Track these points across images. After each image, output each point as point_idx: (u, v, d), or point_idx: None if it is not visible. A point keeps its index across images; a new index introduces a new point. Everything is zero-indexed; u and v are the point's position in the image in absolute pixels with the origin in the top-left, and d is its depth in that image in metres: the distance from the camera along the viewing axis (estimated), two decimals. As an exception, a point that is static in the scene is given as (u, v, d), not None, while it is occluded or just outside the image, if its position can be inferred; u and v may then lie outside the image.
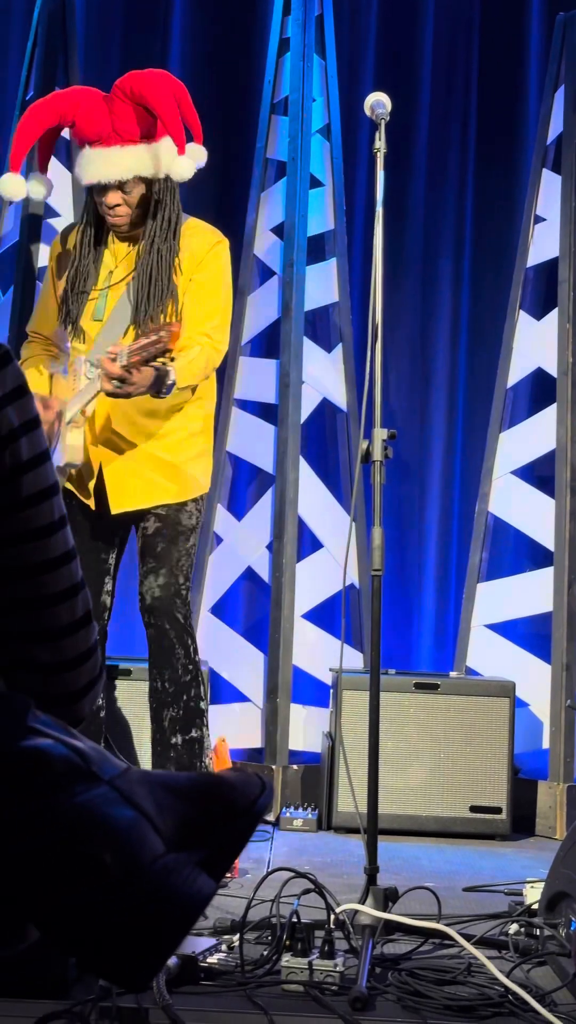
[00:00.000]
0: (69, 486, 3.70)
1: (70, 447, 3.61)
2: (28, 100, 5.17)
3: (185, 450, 3.73)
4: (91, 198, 3.70)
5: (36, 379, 3.76)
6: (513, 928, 3.19)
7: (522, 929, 3.17)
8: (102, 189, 3.62)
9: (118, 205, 3.62)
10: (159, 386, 3.49)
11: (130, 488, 3.68)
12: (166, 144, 3.61)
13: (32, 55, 5.19)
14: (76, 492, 3.70)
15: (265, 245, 5.24)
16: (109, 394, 3.45)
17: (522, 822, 4.79)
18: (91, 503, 3.70)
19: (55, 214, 5.10)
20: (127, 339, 3.61)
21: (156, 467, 3.70)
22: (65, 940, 1.33)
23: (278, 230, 5.22)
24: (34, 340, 3.89)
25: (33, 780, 1.31)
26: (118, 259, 3.70)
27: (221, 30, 5.58)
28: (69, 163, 4.88)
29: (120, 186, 3.61)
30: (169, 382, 3.50)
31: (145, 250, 3.65)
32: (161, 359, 3.42)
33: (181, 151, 3.61)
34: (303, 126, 5.19)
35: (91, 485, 3.69)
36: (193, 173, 3.66)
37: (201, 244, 3.71)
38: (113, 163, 3.59)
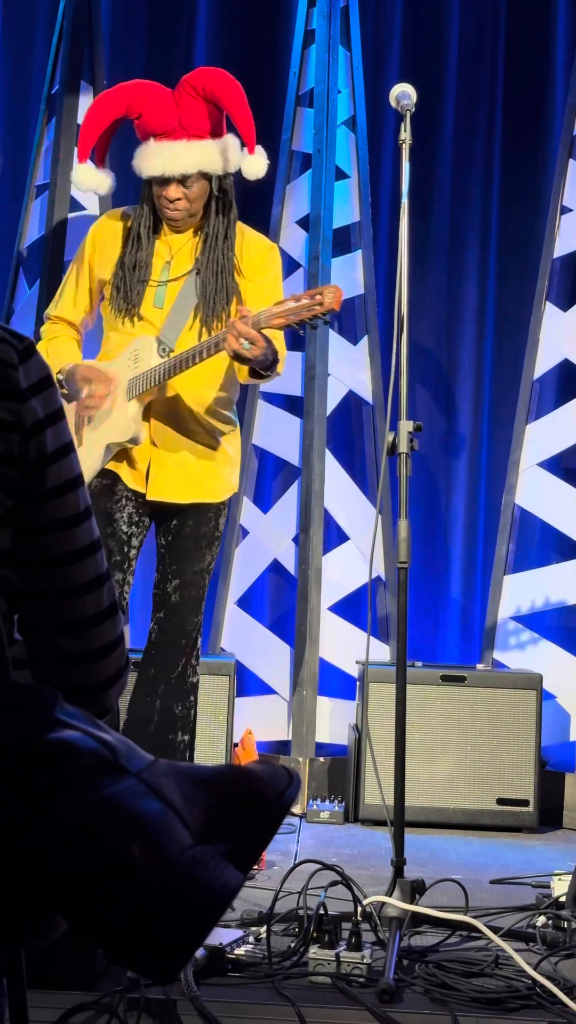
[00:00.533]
0: (113, 467, 3.67)
1: (134, 420, 3.60)
2: (53, 94, 5.18)
3: (229, 450, 3.72)
4: (149, 190, 3.68)
5: (74, 351, 3.75)
6: (540, 920, 3.19)
7: (549, 922, 3.17)
8: (164, 182, 3.61)
9: (178, 199, 3.61)
10: (269, 360, 3.44)
11: (173, 478, 3.65)
12: (233, 141, 3.64)
13: (57, 49, 5.19)
14: (123, 475, 3.67)
15: (291, 238, 5.24)
16: (234, 355, 3.39)
17: (549, 815, 4.77)
18: (137, 483, 3.66)
19: (80, 207, 5.10)
20: (192, 328, 3.61)
21: (201, 462, 3.67)
22: (93, 932, 1.33)
23: (303, 222, 5.22)
24: (58, 323, 3.82)
25: (61, 773, 1.31)
26: (173, 250, 3.69)
27: (246, 22, 5.57)
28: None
29: (182, 180, 3.60)
30: (274, 359, 3.48)
31: (210, 245, 3.65)
32: (311, 323, 3.37)
33: (251, 150, 3.63)
34: (328, 118, 5.18)
35: (141, 466, 3.65)
36: (265, 171, 3.67)
37: (257, 248, 3.72)
38: (178, 156, 3.58)
